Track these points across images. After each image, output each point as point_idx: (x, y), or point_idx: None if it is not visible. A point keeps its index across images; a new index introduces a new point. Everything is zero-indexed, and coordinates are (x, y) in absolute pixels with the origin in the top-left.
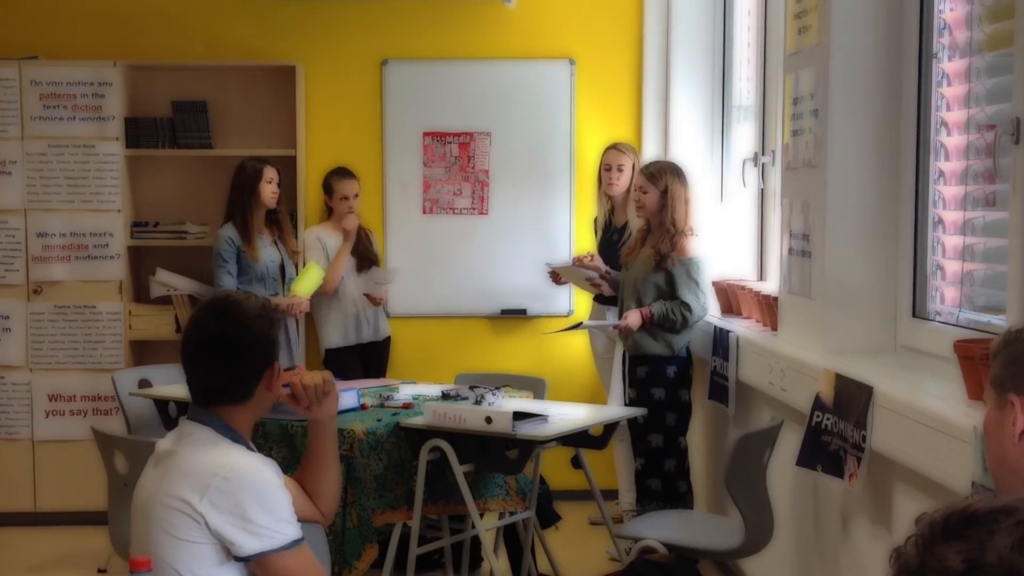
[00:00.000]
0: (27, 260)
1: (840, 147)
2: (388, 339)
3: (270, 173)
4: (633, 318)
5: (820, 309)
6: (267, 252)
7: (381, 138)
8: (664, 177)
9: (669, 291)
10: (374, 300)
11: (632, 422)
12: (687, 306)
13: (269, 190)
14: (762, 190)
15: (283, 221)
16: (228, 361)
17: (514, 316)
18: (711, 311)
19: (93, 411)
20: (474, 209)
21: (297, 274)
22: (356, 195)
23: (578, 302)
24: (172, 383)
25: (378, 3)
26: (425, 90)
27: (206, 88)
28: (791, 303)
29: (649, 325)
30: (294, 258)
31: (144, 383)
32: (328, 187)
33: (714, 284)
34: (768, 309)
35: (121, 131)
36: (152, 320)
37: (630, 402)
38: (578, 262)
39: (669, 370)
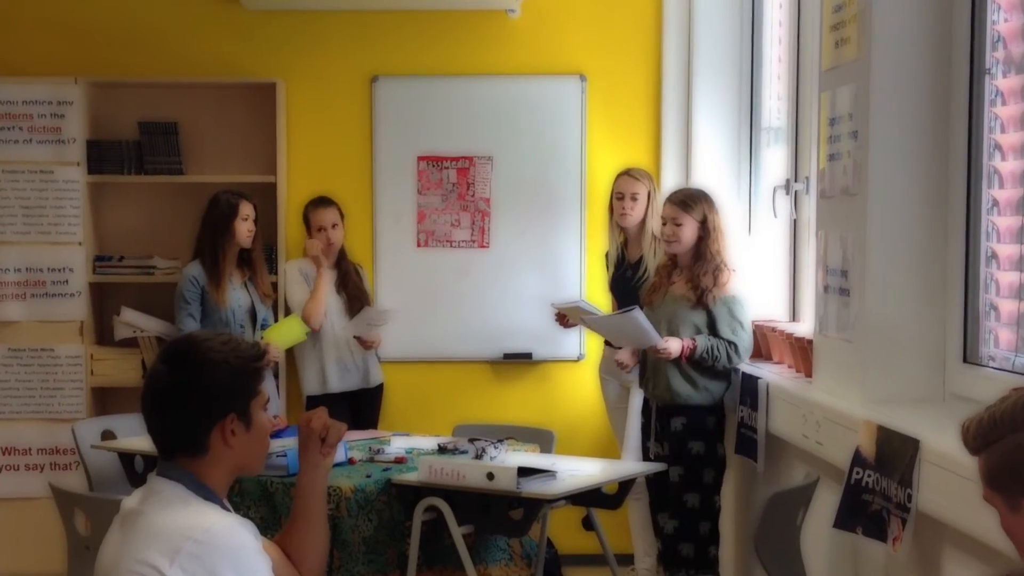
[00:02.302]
0: None
1: (882, 173)
2: (380, 387)
3: (246, 209)
4: (674, 345)
5: (860, 353)
6: (235, 295)
7: (371, 163)
8: (700, 205)
9: (709, 331)
10: (365, 343)
11: (663, 479)
12: (734, 346)
13: (245, 228)
14: (795, 221)
15: (256, 261)
16: (173, 410)
17: (518, 361)
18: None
19: (51, 466)
20: (474, 242)
21: (274, 320)
22: (335, 225)
23: (589, 345)
24: (138, 435)
25: (367, 14)
26: (419, 110)
27: (177, 108)
28: (827, 346)
29: (686, 359)
30: (266, 301)
31: (108, 435)
32: (306, 220)
33: None
34: (802, 353)
35: (82, 155)
36: (116, 365)
37: (658, 458)
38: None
39: (709, 421)
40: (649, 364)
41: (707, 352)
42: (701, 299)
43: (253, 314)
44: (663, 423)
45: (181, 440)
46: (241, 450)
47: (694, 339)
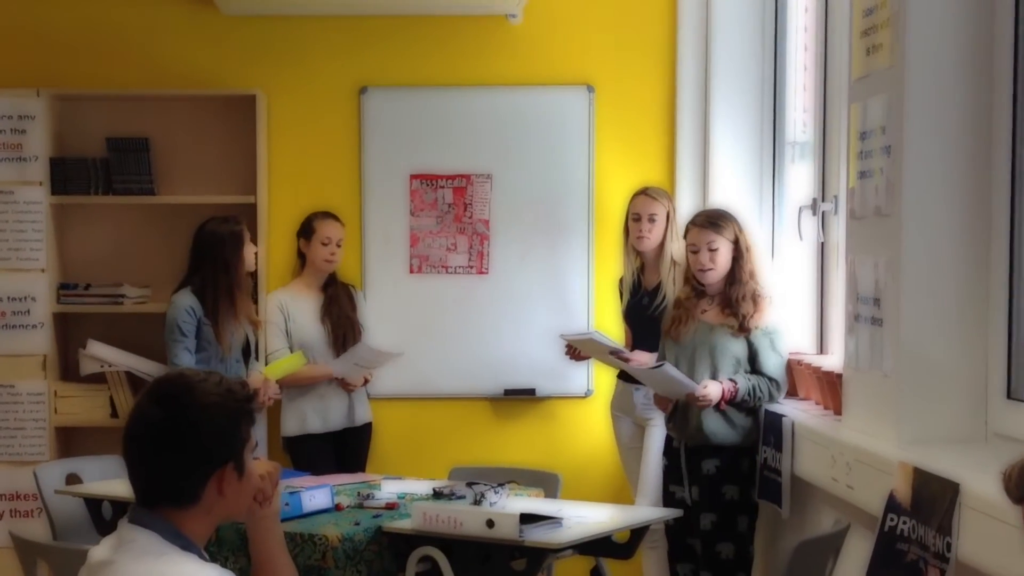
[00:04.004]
0: None
1: (917, 192)
2: (368, 426)
3: (247, 235)
4: (714, 390)
5: (894, 389)
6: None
7: (359, 182)
8: (731, 224)
9: (748, 364)
10: (347, 386)
11: (684, 526)
12: (776, 383)
13: (251, 252)
14: (822, 244)
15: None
16: (167, 457)
17: (520, 397)
18: None
19: (11, 512)
20: (472, 268)
21: (268, 354)
22: (340, 243)
23: (598, 379)
24: (106, 478)
25: (356, 20)
26: (412, 124)
27: (148, 122)
28: (859, 381)
29: (726, 403)
30: (256, 329)
31: (73, 479)
32: (308, 229)
33: None
34: (830, 388)
35: (45, 174)
36: (82, 402)
37: (692, 504)
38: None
39: (744, 463)
40: (679, 400)
41: (749, 394)
42: (743, 327)
43: (246, 345)
44: (693, 466)
45: (171, 489)
46: (233, 499)
47: (734, 380)
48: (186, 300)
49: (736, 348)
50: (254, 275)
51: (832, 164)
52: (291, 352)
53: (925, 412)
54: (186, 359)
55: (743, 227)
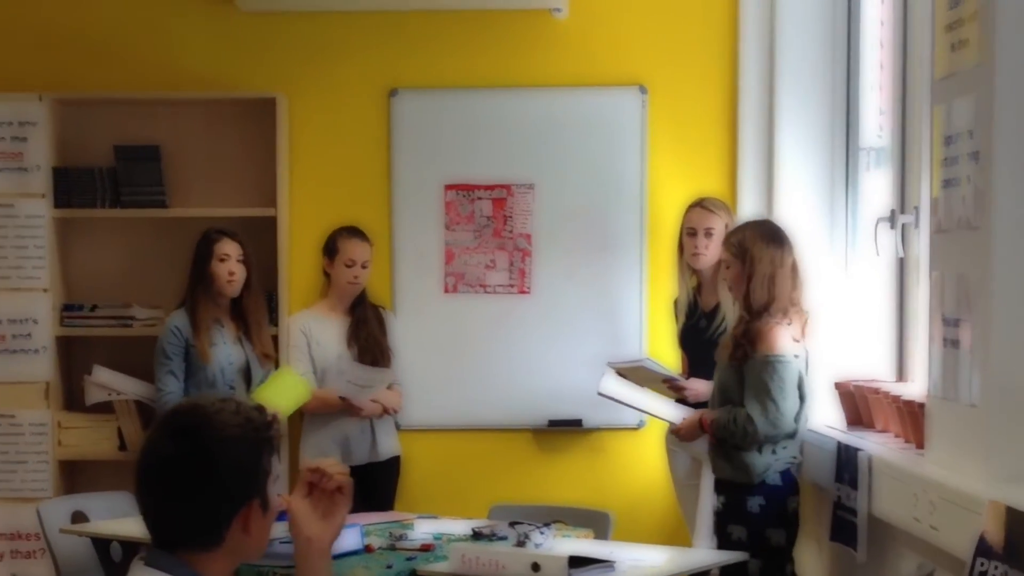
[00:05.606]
0: None
1: (1009, 202)
2: (395, 460)
3: (225, 248)
4: (687, 423)
5: (983, 419)
6: (224, 351)
7: (389, 193)
8: (745, 243)
9: (740, 393)
10: (352, 408)
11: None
12: (750, 419)
13: (224, 271)
14: (902, 260)
15: (251, 312)
16: (186, 496)
17: (566, 429)
18: (808, 425)
19: (12, 553)
20: (512, 286)
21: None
22: (365, 265)
23: None
24: (115, 516)
25: (385, 15)
26: (447, 129)
27: (159, 129)
28: (944, 412)
29: (712, 437)
30: (264, 361)
31: (79, 517)
32: (332, 247)
33: (838, 387)
34: (911, 420)
35: (48, 186)
36: (88, 434)
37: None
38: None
39: (751, 503)
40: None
41: (721, 428)
42: (733, 356)
43: (247, 372)
44: (716, 502)
45: (194, 532)
46: (258, 537)
47: (715, 412)
48: (175, 320)
49: (725, 377)
50: (273, 296)
51: (912, 172)
52: (315, 378)
53: (1018, 445)
54: (171, 384)
55: (763, 243)
